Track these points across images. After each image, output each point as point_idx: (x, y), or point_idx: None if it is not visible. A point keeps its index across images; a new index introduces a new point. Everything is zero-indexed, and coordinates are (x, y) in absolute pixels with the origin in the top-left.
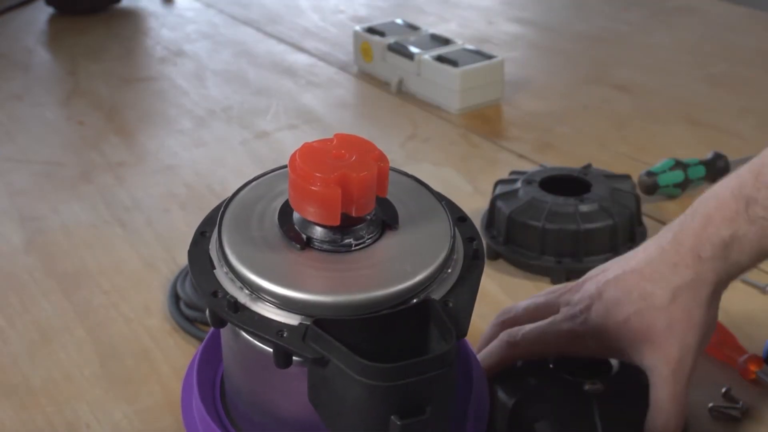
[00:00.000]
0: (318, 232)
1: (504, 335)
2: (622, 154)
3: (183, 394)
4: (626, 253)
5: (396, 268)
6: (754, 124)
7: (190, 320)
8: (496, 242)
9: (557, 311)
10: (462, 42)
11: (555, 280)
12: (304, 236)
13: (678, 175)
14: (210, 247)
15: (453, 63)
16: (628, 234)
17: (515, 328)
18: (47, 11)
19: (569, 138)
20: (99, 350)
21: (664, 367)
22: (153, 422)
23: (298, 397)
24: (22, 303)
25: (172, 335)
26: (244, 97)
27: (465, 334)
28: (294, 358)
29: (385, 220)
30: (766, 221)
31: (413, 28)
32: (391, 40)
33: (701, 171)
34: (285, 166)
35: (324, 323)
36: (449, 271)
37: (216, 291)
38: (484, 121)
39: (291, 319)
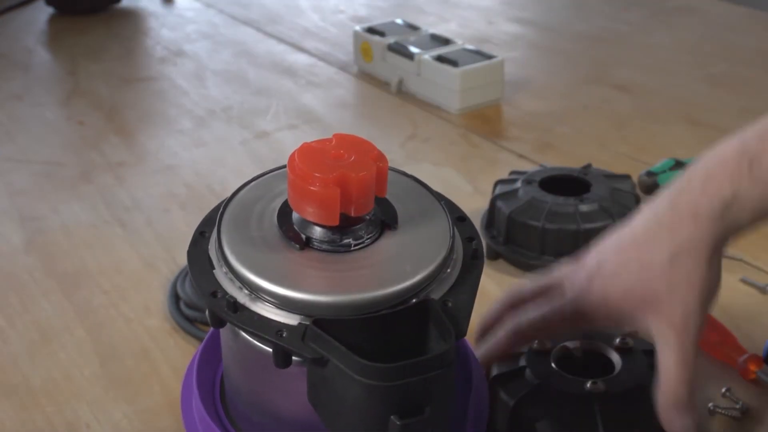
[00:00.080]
0: (317, 232)
1: (510, 325)
2: (622, 154)
3: (183, 394)
4: (624, 222)
5: (395, 268)
6: None
7: (190, 320)
8: (496, 242)
9: (563, 291)
10: (462, 42)
11: None
12: (303, 236)
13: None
14: (209, 247)
15: (453, 63)
16: None
17: (521, 317)
18: (47, 11)
19: (569, 138)
20: (99, 350)
21: (668, 332)
22: (153, 422)
23: (297, 397)
24: (22, 303)
25: (172, 335)
26: (244, 97)
27: (464, 334)
28: (293, 358)
29: (385, 220)
30: None
31: (413, 28)
32: (391, 40)
33: None
34: (284, 166)
35: (323, 323)
36: (448, 271)
37: (215, 291)
38: (484, 121)
39: (290, 319)
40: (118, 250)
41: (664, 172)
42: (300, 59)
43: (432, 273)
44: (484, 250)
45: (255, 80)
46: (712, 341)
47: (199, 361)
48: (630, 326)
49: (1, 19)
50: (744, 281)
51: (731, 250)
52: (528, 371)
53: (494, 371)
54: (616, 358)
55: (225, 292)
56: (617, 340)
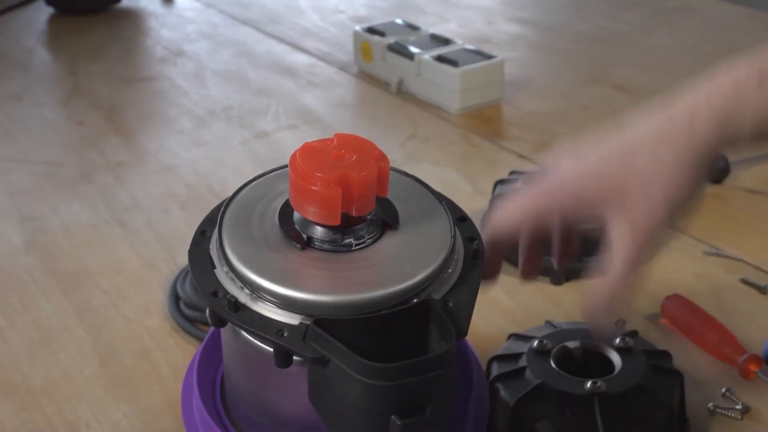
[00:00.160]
0: (318, 231)
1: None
2: None
3: (183, 394)
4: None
5: (396, 267)
6: None
7: (190, 320)
8: None
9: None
10: (462, 42)
11: (555, 280)
12: (304, 236)
13: None
14: (210, 246)
15: (453, 63)
16: None
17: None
18: (47, 11)
19: (569, 138)
20: (99, 350)
21: (626, 227)
22: (153, 422)
23: (298, 396)
24: (22, 303)
25: (172, 335)
26: (244, 97)
27: (465, 334)
28: (294, 357)
29: (386, 220)
30: None
31: (413, 28)
32: (391, 40)
33: None
34: (285, 166)
35: (324, 323)
36: (449, 271)
37: (216, 291)
38: (484, 121)
39: (291, 319)
40: (118, 250)
41: None
42: (300, 59)
43: (433, 273)
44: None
45: (255, 80)
46: (712, 341)
47: (199, 361)
48: (592, 221)
49: (1, 19)
50: (744, 281)
51: (731, 250)
52: (528, 371)
53: (494, 371)
54: (616, 358)
55: (226, 292)
56: (617, 340)
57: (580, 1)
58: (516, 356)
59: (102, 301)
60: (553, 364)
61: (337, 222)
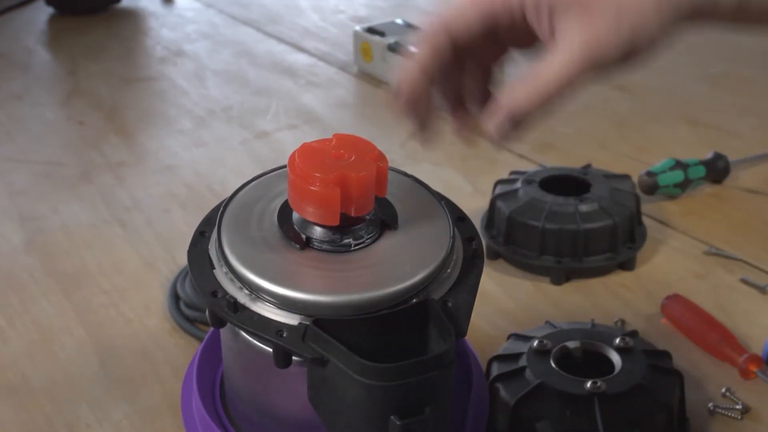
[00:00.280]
0: (317, 232)
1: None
2: (622, 154)
3: (183, 394)
4: None
5: (395, 268)
6: (754, 124)
7: (190, 320)
8: (496, 242)
9: None
10: None
11: (555, 280)
12: (303, 236)
13: (678, 175)
14: (209, 247)
15: None
16: (628, 234)
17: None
18: (47, 11)
19: (569, 138)
20: (99, 350)
21: (583, 30)
22: (153, 422)
23: (297, 397)
24: (22, 303)
25: (172, 335)
26: (244, 97)
27: (464, 334)
28: (294, 358)
29: (385, 220)
30: None
31: (413, 28)
32: (391, 40)
33: (701, 171)
34: (284, 167)
35: (323, 323)
36: (449, 271)
37: (216, 291)
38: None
39: (290, 319)
40: (118, 250)
41: (664, 172)
42: (300, 59)
43: (432, 273)
44: (484, 250)
45: (255, 80)
46: (712, 341)
47: (199, 361)
48: (535, 25)
49: (1, 19)
50: (744, 281)
51: (731, 250)
52: (528, 371)
53: (494, 371)
54: (616, 358)
55: (225, 292)
56: (617, 340)
57: None
58: (516, 356)
59: (102, 301)
60: (553, 364)
61: (336, 222)
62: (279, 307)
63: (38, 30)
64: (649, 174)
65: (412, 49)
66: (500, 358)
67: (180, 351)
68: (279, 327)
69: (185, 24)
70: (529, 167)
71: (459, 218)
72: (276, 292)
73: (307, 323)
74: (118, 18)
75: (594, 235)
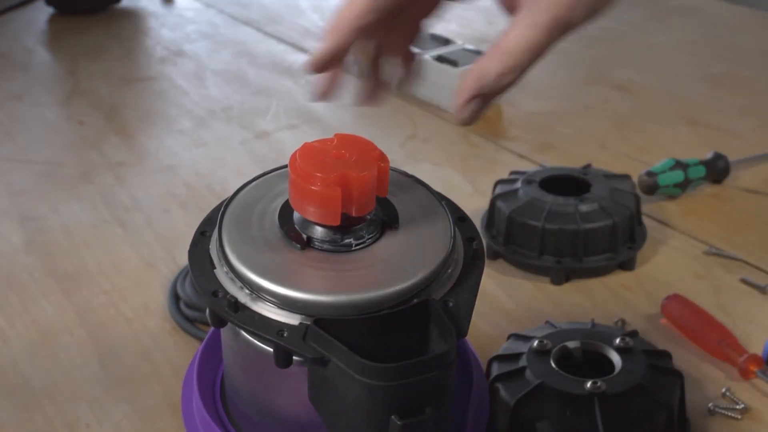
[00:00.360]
0: (318, 231)
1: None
2: (622, 154)
3: (183, 394)
4: None
5: (396, 267)
6: (754, 124)
7: (190, 320)
8: (496, 242)
9: None
10: (462, 42)
11: (555, 280)
12: (304, 236)
13: (678, 175)
14: (210, 246)
15: (453, 63)
16: (628, 234)
17: None
18: (47, 11)
19: (569, 138)
20: (99, 350)
21: (545, 6)
22: (153, 422)
23: (298, 397)
24: (22, 303)
25: (172, 335)
26: (244, 97)
27: (465, 334)
28: (294, 357)
29: (385, 220)
30: None
31: None
32: None
33: (701, 171)
34: (285, 166)
35: (324, 323)
36: (449, 271)
37: (216, 291)
38: (484, 121)
39: (291, 319)
40: (118, 250)
41: (664, 172)
42: (300, 59)
43: (433, 273)
44: (485, 250)
45: (255, 80)
46: (712, 341)
47: (199, 361)
48: None
49: (1, 19)
50: (744, 281)
51: (731, 250)
52: (528, 371)
53: (494, 371)
54: (616, 358)
55: (226, 292)
56: (617, 340)
57: None
58: (516, 356)
59: (102, 301)
60: (553, 364)
61: (337, 222)
62: (280, 307)
63: (38, 30)
64: (649, 174)
65: None
66: (500, 358)
67: (180, 351)
68: (280, 327)
69: (185, 24)
70: (529, 167)
71: (460, 218)
72: (277, 292)
73: (308, 323)
74: (118, 18)
75: (594, 235)
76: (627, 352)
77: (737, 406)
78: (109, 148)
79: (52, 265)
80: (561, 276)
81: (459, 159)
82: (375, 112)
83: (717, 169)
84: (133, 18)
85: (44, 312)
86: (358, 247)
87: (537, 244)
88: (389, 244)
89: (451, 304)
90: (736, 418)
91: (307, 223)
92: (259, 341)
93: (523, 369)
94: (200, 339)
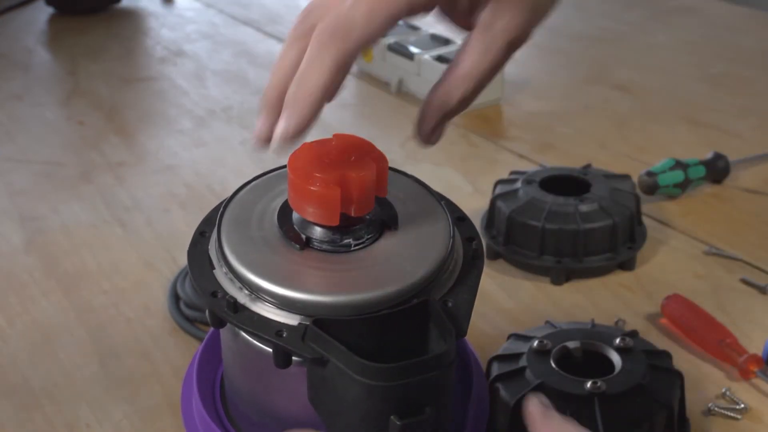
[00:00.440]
0: (317, 232)
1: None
2: (622, 154)
3: (183, 394)
4: None
5: (395, 268)
6: (754, 124)
7: (190, 320)
8: (496, 242)
9: None
10: (462, 42)
11: (555, 280)
12: (303, 236)
13: (678, 175)
14: (209, 247)
15: None
16: (628, 234)
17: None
18: (47, 11)
19: (569, 138)
20: (99, 350)
21: (500, 29)
22: (153, 422)
23: (297, 397)
24: (22, 303)
25: (172, 335)
26: (244, 97)
27: (464, 334)
28: (293, 358)
29: (385, 220)
30: None
31: (413, 28)
32: (391, 40)
33: (701, 171)
34: (284, 167)
35: (323, 323)
36: (449, 271)
37: (215, 291)
38: (484, 121)
39: (290, 319)
40: (118, 250)
41: (664, 172)
42: None
43: (432, 273)
44: (484, 250)
45: (255, 80)
46: (712, 341)
47: (199, 361)
48: (462, 15)
49: (1, 19)
50: (744, 281)
51: (731, 250)
52: (528, 371)
53: (494, 371)
54: (616, 358)
55: (225, 293)
56: (617, 340)
57: (580, 1)
58: (516, 356)
59: (102, 301)
60: (553, 364)
61: (336, 222)
62: (279, 308)
63: (38, 30)
64: (649, 174)
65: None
66: (500, 358)
67: (180, 351)
68: (279, 327)
69: (185, 24)
70: (529, 167)
71: (459, 218)
72: (276, 293)
73: (307, 323)
74: (118, 18)
75: (594, 235)
76: (627, 352)
77: (737, 406)
78: (109, 148)
79: (52, 265)
80: (561, 276)
81: (459, 159)
82: (375, 112)
83: (717, 169)
84: (133, 18)
85: (44, 312)
86: (357, 247)
87: (537, 244)
88: (388, 244)
89: (450, 304)
90: (736, 418)
91: (306, 224)
92: (258, 341)
93: (523, 369)
94: (200, 339)
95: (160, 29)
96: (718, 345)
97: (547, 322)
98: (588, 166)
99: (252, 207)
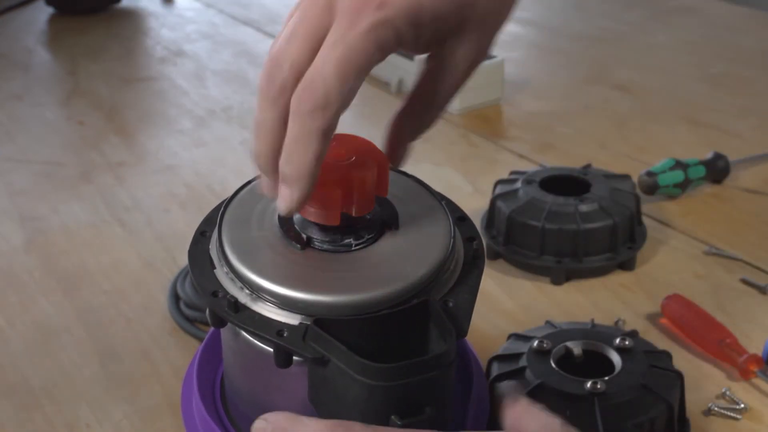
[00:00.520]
0: (318, 231)
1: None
2: (622, 154)
3: (183, 394)
4: None
5: (396, 268)
6: (754, 124)
7: (190, 320)
8: (496, 242)
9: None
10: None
11: (555, 280)
12: (304, 236)
13: (678, 175)
14: (210, 247)
15: None
16: (628, 234)
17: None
18: (47, 11)
19: (569, 138)
20: (99, 350)
21: (463, 58)
22: (153, 422)
23: (298, 397)
24: (22, 303)
25: (172, 335)
26: (244, 97)
27: (465, 334)
28: (294, 357)
29: (385, 220)
30: None
31: None
32: None
33: (701, 171)
34: None
35: (324, 323)
36: (449, 271)
37: (216, 291)
38: (484, 121)
39: (291, 319)
40: (118, 250)
41: (664, 172)
42: None
43: (433, 273)
44: (485, 250)
45: (255, 80)
46: (712, 341)
47: (199, 361)
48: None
49: (1, 19)
50: (744, 281)
51: (731, 250)
52: (528, 371)
53: (494, 371)
54: (616, 358)
55: (226, 292)
56: (617, 340)
57: (580, 1)
58: (516, 356)
59: (102, 301)
60: (553, 364)
61: (337, 222)
62: (280, 307)
63: (38, 30)
64: (649, 174)
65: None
66: (500, 358)
67: (180, 351)
68: (280, 327)
69: (185, 24)
70: (529, 167)
71: (459, 218)
72: (277, 292)
73: (308, 323)
74: (118, 18)
75: (594, 235)
76: (627, 352)
77: (737, 406)
78: (109, 148)
79: (52, 265)
80: (561, 276)
81: (459, 159)
82: (375, 112)
83: (717, 169)
84: (133, 18)
85: (44, 312)
86: (357, 247)
87: (537, 244)
88: (389, 244)
89: (450, 304)
90: (736, 418)
91: (306, 223)
92: (259, 341)
93: (523, 369)
94: (200, 339)
95: (160, 29)
96: (718, 345)
97: (547, 322)
98: (588, 166)
99: (252, 207)
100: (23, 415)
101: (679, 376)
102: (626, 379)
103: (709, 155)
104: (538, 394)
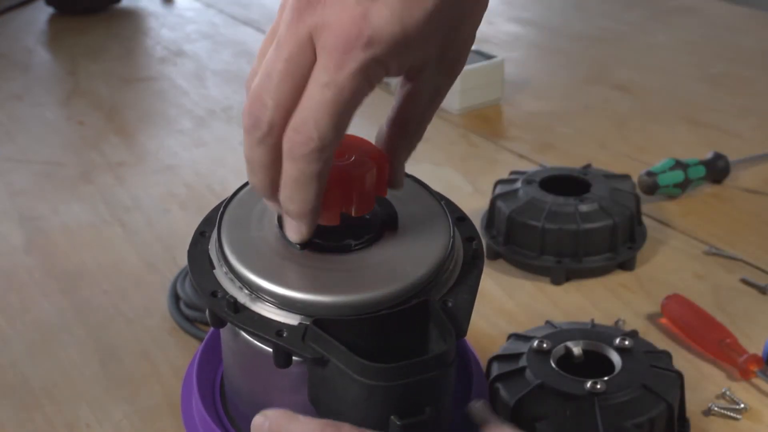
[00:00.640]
0: (317, 231)
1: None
2: (622, 154)
3: (183, 394)
4: None
5: (395, 268)
6: (754, 124)
7: (190, 320)
8: (496, 242)
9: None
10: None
11: (555, 280)
12: None
13: (678, 175)
14: (209, 247)
15: None
16: (628, 234)
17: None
18: (47, 11)
19: (569, 138)
20: (99, 350)
21: (441, 82)
22: (153, 422)
23: (297, 397)
24: (22, 303)
25: (172, 335)
26: (244, 97)
27: (464, 334)
28: (294, 358)
29: (385, 220)
30: None
31: None
32: None
33: (701, 171)
34: None
35: (324, 323)
36: (449, 271)
37: (216, 291)
38: (484, 121)
39: (291, 319)
40: (118, 250)
41: (664, 172)
42: None
43: (432, 273)
44: (485, 250)
45: None
46: (712, 341)
47: (199, 361)
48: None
49: (1, 19)
50: (744, 281)
51: (731, 250)
52: (528, 371)
53: (494, 371)
54: (616, 358)
55: (225, 292)
56: (617, 340)
57: (580, 1)
58: (516, 356)
59: (102, 301)
60: (553, 364)
61: (336, 222)
62: (279, 307)
63: (38, 30)
64: (649, 174)
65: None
66: (500, 358)
67: (180, 351)
68: (279, 327)
69: (185, 24)
70: (529, 167)
71: (459, 218)
72: (276, 292)
73: (307, 323)
74: (118, 18)
75: (594, 235)
76: (627, 352)
77: (737, 406)
78: (109, 148)
79: (52, 265)
80: (561, 276)
81: (459, 159)
82: (375, 113)
83: (717, 169)
84: (133, 18)
85: (44, 312)
86: (357, 247)
87: (537, 244)
88: (388, 244)
89: (450, 304)
90: (736, 418)
91: None
92: (258, 341)
93: (523, 369)
94: (200, 339)
95: (160, 29)
96: (718, 345)
97: (547, 322)
98: (588, 166)
99: (252, 207)
100: (23, 415)
101: (679, 376)
102: (626, 379)
103: (709, 155)
104: (538, 394)
